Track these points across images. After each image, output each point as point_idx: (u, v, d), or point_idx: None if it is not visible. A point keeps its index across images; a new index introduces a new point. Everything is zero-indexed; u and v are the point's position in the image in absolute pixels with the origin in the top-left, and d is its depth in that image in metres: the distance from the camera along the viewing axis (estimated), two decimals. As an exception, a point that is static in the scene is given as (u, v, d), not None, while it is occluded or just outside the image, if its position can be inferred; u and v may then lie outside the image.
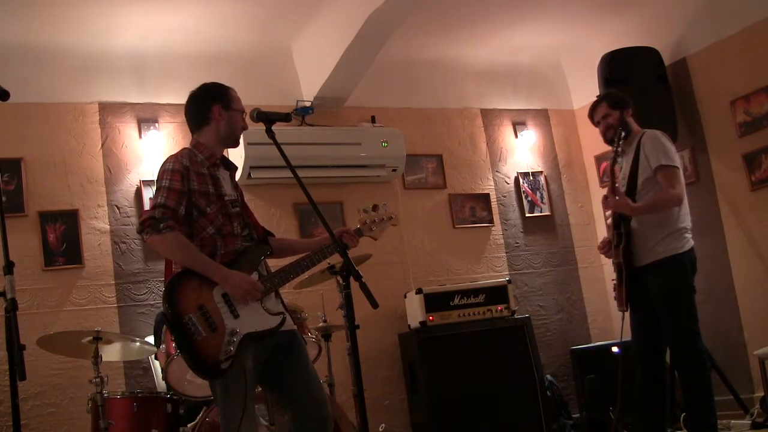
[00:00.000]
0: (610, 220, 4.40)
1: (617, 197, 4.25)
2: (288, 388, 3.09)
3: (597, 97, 4.61)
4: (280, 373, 3.08)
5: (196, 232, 3.04)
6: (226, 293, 2.98)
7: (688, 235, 4.22)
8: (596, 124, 4.46)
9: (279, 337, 3.07)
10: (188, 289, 2.95)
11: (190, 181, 3.05)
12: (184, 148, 3.20)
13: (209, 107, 3.19)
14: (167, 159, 3.12)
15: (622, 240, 4.28)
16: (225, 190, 3.15)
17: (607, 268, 6.57)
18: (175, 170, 3.04)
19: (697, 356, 4.12)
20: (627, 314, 4.34)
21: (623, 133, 4.29)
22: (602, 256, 6.63)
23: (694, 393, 4.12)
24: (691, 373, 4.12)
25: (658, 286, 4.17)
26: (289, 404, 3.11)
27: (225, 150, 3.27)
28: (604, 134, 4.41)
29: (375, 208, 3.33)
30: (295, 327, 3.20)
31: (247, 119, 3.28)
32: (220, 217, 3.07)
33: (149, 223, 2.96)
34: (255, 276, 3.07)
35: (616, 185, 4.29)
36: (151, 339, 4.47)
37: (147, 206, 5.20)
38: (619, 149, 4.29)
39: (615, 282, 4.36)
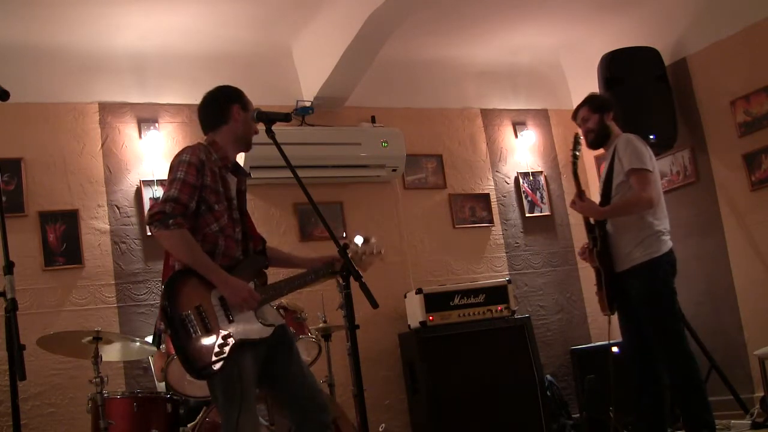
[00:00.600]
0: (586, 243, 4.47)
1: (584, 201, 4.32)
2: (284, 383, 3.10)
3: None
4: (274, 370, 3.10)
5: (200, 227, 3.03)
6: (224, 296, 2.99)
7: (666, 237, 4.25)
8: (579, 126, 4.52)
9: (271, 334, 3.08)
10: (188, 288, 2.96)
11: (204, 175, 3.04)
12: (200, 143, 3.19)
13: (230, 107, 3.20)
14: (183, 150, 3.11)
15: (597, 244, 4.34)
16: (231, 194, 3.16)
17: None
18: (192, 163, 3.03)
19: (684, 357, 4.14)
20: (612, 316, 4.39)
21: (580, 137, 4.41)
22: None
23: (686, 393, 4.15)
24: (680, 374, 4.14)
25: (637, 292, 4.21)
26: (286, 399, 3.12)
27: (236, 155, 3.27)
28: (585, 138, 4.48)
29: (367, 240, 3.36)
30: (284, 320, 3.22)
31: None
32: (226, 217, 3.08)
33: (159, 217, 2.95)
34: (251, 286, 3.08)
35: (583, 189, 4.36)
36: (150, 338, 4.46)
37: (147, 206, 5.20)
38: (578, 153, 4.41)
39: (596, 286, 4.41)
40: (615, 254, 4.30)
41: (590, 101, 4.48)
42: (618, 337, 4.64)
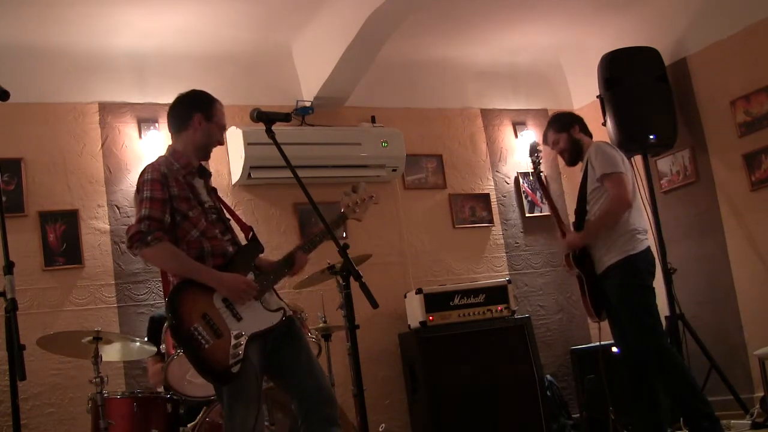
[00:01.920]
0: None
1: (565, 238, 4.42)
2: (291, 374, 3.11)
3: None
4: (281, 361, 3.11)
5: (181, 236, 3.05)
6: (226, 298, 2.99)
7: (642, 237, 4.27)
8: (553, 149, 4.63)
9: (278, 327, 3.09)
10: (189, 300, 2.97)
11: (170, 187, 3.06)
12: (161, 156, 3.23)
13: (191, 114, 3.22)
14: (145, 169, 3.14)
15: (574, 250, 4.39)
16: (203, 198, 3.17)
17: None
18: (155, 179, 3.06)
19: (664, 355, 4.15)
20: (598, 320, 4.45)
21: (537, 144, 4.66)
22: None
23: (676, 391, 4.15)
24: (665, 373, 4.14)
25: (613, 290, 4.24)
26: (293, 390, 3.12)
27: (198, 161, 3.27)
28: (562, 158, 4.61)
29: (355, 189, 3.36)
30: (291, 313, 3.22)
31: (247, 120, 3.29)
32: (203, 221, 3.09)
33: (137, 237, 2.99)
34: (250, 276, 3.08)
35: (563, 222, 4.56)
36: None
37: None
38: (536, 160, 4.67)
39: (580, 293, 4.45)
40: (595, 258, 4.34)
41: (553, 123, 4.59)
42: (606, 339, 4.67)
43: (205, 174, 3.28)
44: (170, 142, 3.32)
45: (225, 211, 3.29)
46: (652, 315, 4.22)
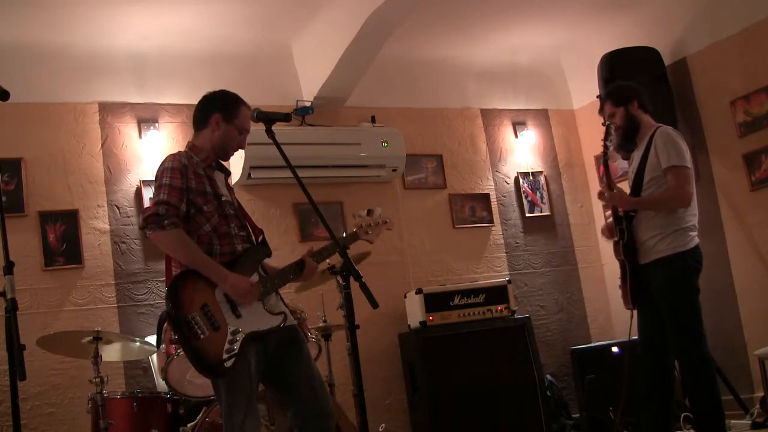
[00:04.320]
0: (611, 219, 4.34)
1: (614, 191, 4.15)
2: (290, 384, 3.10)
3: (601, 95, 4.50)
4: (281, 370, 3.10)
5: (193, 230, 3.05)
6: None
7: (693, 233, 4.09)
8: (607, 121, 4.30)
9: (280, 334, 3.09)
10: (191, 289, 2.96)
11: (188, 179, 3.06)
12: (180, 151, 3.23)
13: (210, 113, 3.22)
14: (166, 158, 3.15)
15: (624, 236, 4.16)
16: (221, 191, 3.17)
17: (607, 267, 6.57)
18: (175, 168, 3.06)
19: (701, 361, 4.01)
20: (633, 313, 4.22)
21: (611, 128, 4.19)
22: (602, 256, 6.67)
23: (700, 397, 4.02)
24: (696, 378, 4.01)
25: (659, 285, 4.06)
26: (290, 400, 3.11)
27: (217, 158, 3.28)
28: (616, 134, 4.25)
29: (370, 212, 3.35)
30: (296, 323, 3.22)
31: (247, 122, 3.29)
32: (217, 216, 3.09)
33: (153, 219, 2.97)
34: (255, 277, 3.08)
35: (613, 179, 4.20)
36: (151, 339, 4.47)
37: (147, 206, 5.20)
38: (609, 143, 4.20)
39: (620, 280, 4.25)
40: (639, 246, 4.12)
41: (611, 95, 4.26)
42: (619, 337, 4.60)
43: (224, 170, 3.28)
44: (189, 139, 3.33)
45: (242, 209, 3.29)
46: (696, 316, 4.06)
